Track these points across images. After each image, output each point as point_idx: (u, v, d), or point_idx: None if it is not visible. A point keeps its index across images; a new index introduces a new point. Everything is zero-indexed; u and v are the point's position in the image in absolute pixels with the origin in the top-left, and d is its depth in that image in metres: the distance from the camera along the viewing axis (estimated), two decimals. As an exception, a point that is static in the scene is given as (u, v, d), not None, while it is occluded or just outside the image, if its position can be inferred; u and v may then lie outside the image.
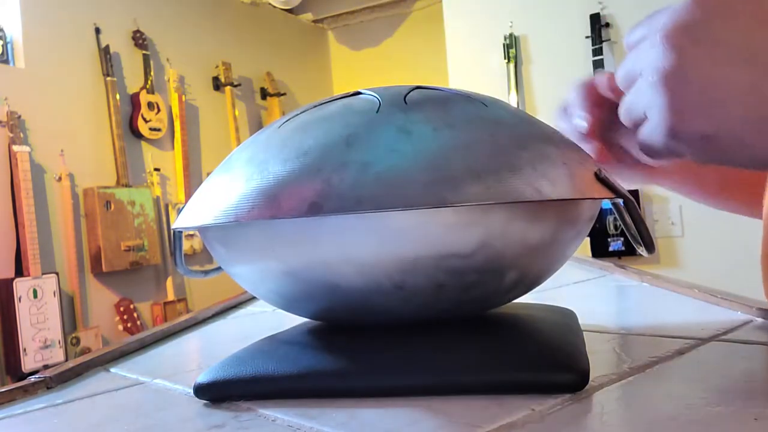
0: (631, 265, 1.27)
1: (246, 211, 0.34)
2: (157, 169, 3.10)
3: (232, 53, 3.58)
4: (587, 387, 0.33)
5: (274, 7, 3.98)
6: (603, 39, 2.32)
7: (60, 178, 2.69)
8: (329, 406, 0.34)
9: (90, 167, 2.84)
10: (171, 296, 3.07)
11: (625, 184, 0.47)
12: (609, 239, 2.32)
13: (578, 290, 0.71)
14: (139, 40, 3.07)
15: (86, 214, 2.78)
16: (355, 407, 0.33)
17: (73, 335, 2.65)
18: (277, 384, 0.36)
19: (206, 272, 0.49)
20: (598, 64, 2.32)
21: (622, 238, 2.29)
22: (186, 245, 2.96)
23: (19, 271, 2.48)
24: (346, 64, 4.31)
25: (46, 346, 2.47)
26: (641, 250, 0.40)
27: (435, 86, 0.42)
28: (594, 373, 0.35)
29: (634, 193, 2.32)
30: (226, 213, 0.35)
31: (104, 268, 2.75)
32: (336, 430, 0.31)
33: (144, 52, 3.09)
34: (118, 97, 2.93)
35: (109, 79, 2.90)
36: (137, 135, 3.05)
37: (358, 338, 0.39)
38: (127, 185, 2.90)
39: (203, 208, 0.37)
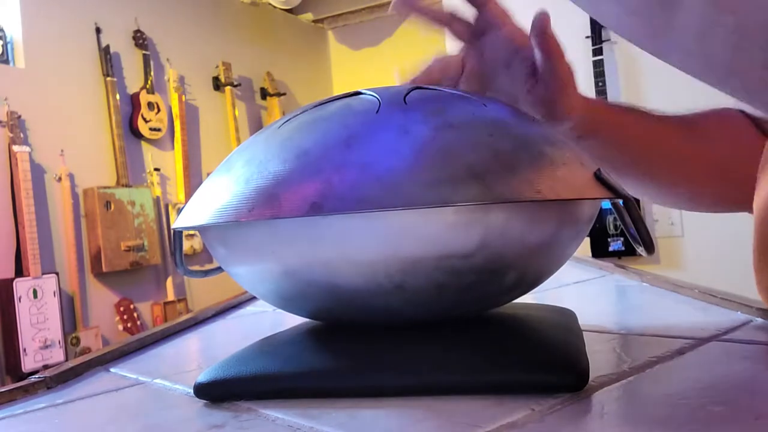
0: (631, 265, 1.27)
1: (246, 211, 0.34)
2: (157, 169, 3.10)
3: (232, 53, 3.58)
4: (587, 387, 0.33)
5: (274, 7, 3.98)
6: (603, 39, 2.32)
7: (60, 178, 2.68)
8: (329, 406, 0.34)
9: (90, 167, 2.83)
10: (171, 296, 3.07)
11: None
12: (609, 239, 2.32)
13: (578, 290, 0.71)
14: (139, 40, 3.07)
15: (86, 214, 2.78)
16: (355, 407, 0.33)
17: (73, 335, 2.65)
18: (277, 384, 0.36)
19: (206, 272, 0.49)
20: (598, 64, 2.31)
21: (622, 238, 2.29)
22: (186, 245, 2.96)
23: (19, 271, 2.48)
24: (346, 64, 4.31)
25: (46, 346, 2.47)
26: (641, 250, 0.40)
27: (435, 86, 0.42)
28: (594, 373, 0.35)
29: (634, 193, 2.31)
30: (226, 213, 0.35)
31: (104, 268, 2.75)
32: (336, 430, 0.31)
33: (144, 52, 3.09)
34: (118, 97, 2.93)
35: (109, 79, 2.90)
36: (137, 135, 3.05)
37: (358, 338, 0.39)
38: (127, 185, 2.90)
39: (203, 209, 0.37)
